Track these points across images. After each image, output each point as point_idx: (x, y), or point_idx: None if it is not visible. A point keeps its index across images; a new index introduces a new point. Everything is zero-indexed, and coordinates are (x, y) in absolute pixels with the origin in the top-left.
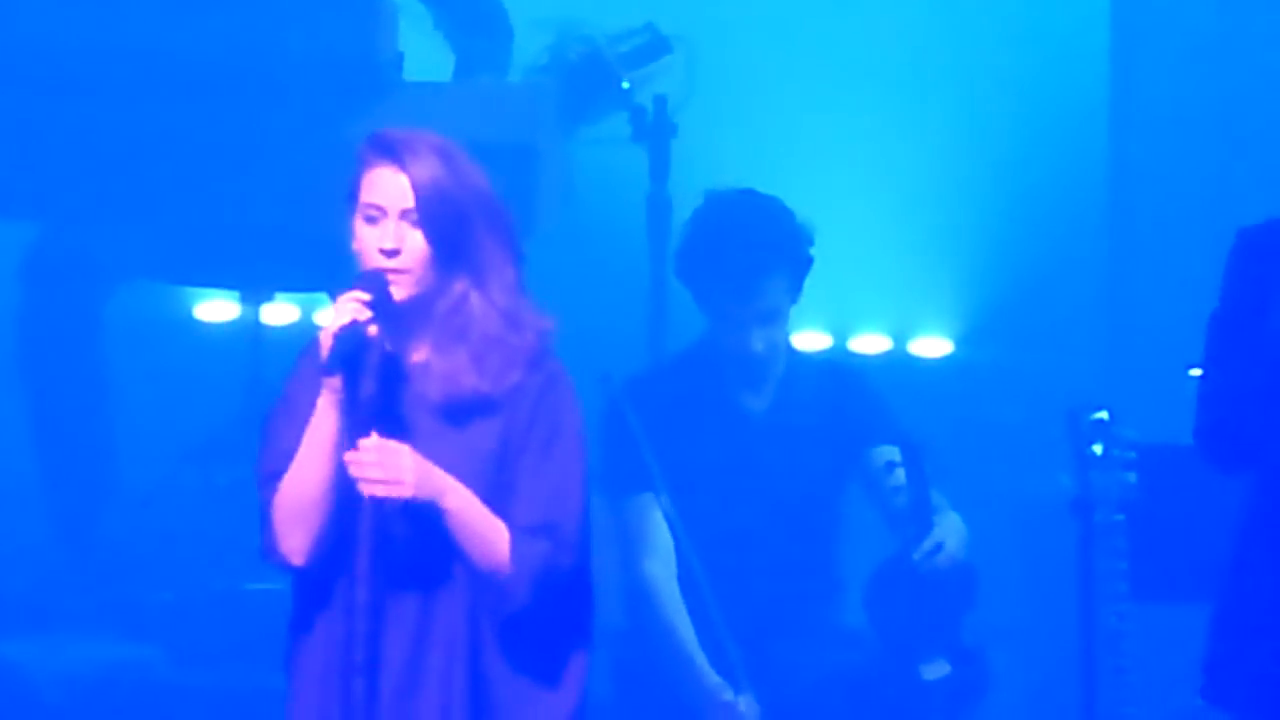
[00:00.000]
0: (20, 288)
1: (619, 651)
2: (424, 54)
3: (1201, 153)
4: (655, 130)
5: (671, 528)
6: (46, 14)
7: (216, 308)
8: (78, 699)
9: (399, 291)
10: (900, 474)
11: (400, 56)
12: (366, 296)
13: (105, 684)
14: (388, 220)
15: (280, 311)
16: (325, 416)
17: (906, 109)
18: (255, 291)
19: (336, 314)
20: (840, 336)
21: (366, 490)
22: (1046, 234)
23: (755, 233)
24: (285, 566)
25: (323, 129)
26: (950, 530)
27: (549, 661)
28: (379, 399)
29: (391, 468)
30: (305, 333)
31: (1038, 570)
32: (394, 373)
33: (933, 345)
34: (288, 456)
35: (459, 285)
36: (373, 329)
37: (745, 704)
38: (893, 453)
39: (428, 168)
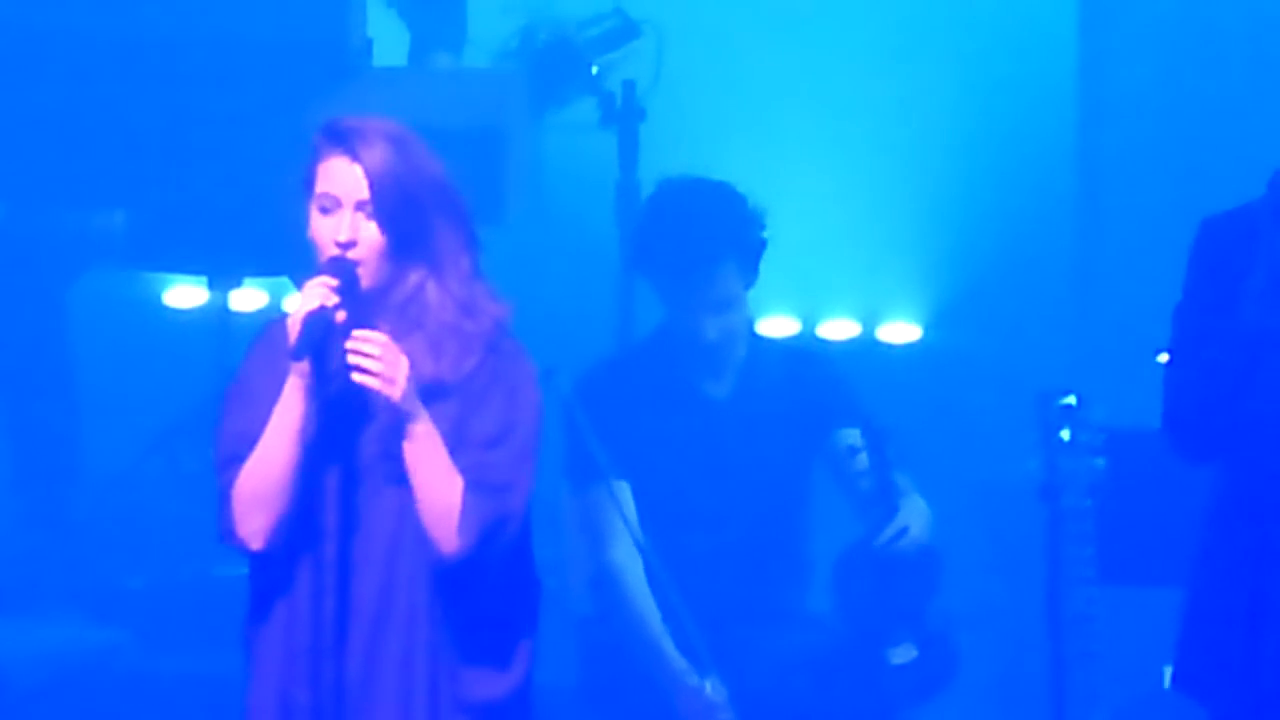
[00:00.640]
0: None
1: (587, 638)
2: (393, 40)
3: (1170, 138)
4: (624, 115)
5: (625, 517)
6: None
7: (185, 293)
8: (47, 684)
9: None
10: (864, 458)
11: (369, 42)
12: (334, 282)
13: (74, 669)
14: (343, 211)
15: (248, 297)
16: (292, 401)
17: (875, 95)
18: (223, 277)
19: (304, 299)
20: (808, 322)
21: (360, 379)
22: (1015, 219)
23: (703, 221)
24: (245, 550)
25: (291, 114)
26: (915, 514)
27: (497, 639)
28: (344, 384)
29: (391, 365)
30: (277, 325)
31: (1005, 555)
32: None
33: (901, 331)
34: (247, 440)
35: (415, 275)
36: (340, 314)
37: (712, 687)
38: (856, 436)
39: (382, 158)
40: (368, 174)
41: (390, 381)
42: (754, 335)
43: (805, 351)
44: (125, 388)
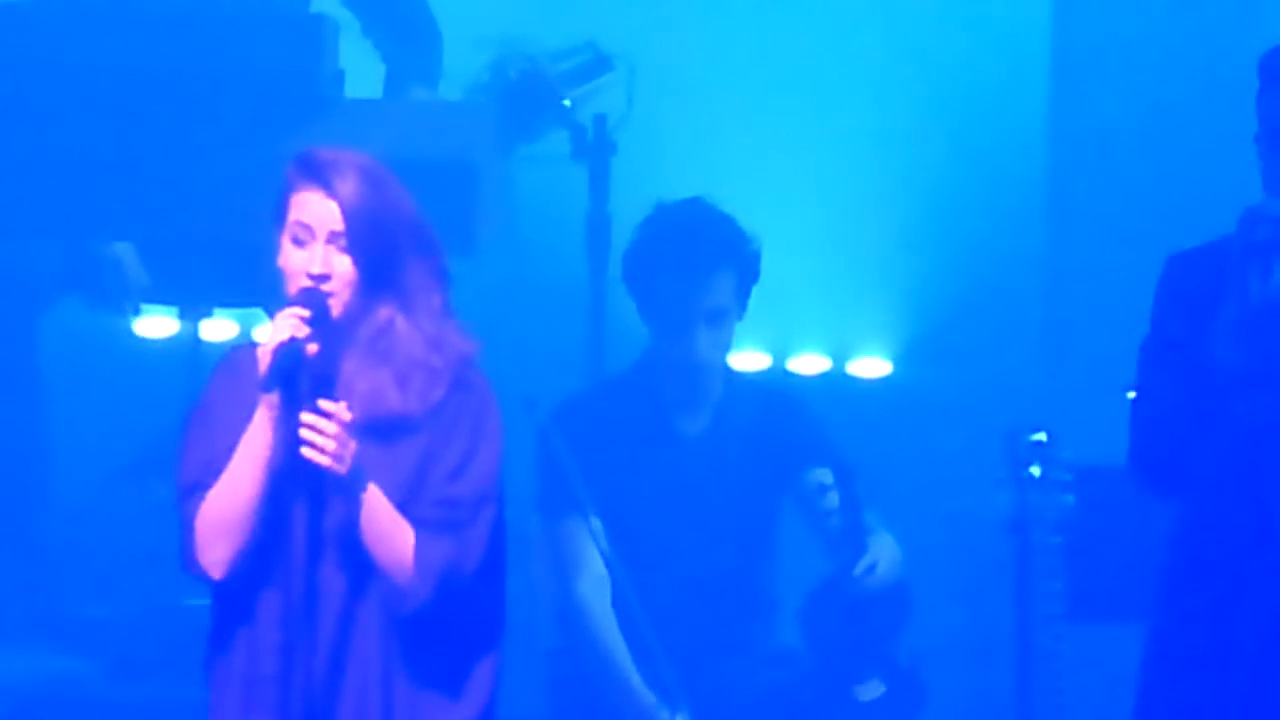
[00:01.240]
0: None
1: (555, 671)
2: (364, 72)
3: (1139, 176)
4: (595, 148)
5: (601, 550)
6: None
7: (155, 323)
8: (13, 711)
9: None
10: (834, 496)
11: (341, 74)
12: (306, 313)
13: (41, 697)
14: (315, 244)
15: (218, 327)
16: (260, 430)
17: (845, 131)
18: (194, 307)
19: (276, 330)
20: (779, 357)
21: (310, 455)
22: (985, 255)
23: (704, 231)
24: (206, 579)
25: (263, 145)
26: (883, 551)
27: (455, 670)
28: (307, 413)
29: (342, 445)
30: (245, 351)
31: (974, 591)
32: (321, 387)
33: (871, 366)
34: (210, 468)
35: (385, 309)
36: (311, 346)
37: None
38: (826, 475)
39: (356, 191)
40: (341, 207)
41: (339, 460)
42: (729, 372)
43: (777, 389)
44: (95, 416)
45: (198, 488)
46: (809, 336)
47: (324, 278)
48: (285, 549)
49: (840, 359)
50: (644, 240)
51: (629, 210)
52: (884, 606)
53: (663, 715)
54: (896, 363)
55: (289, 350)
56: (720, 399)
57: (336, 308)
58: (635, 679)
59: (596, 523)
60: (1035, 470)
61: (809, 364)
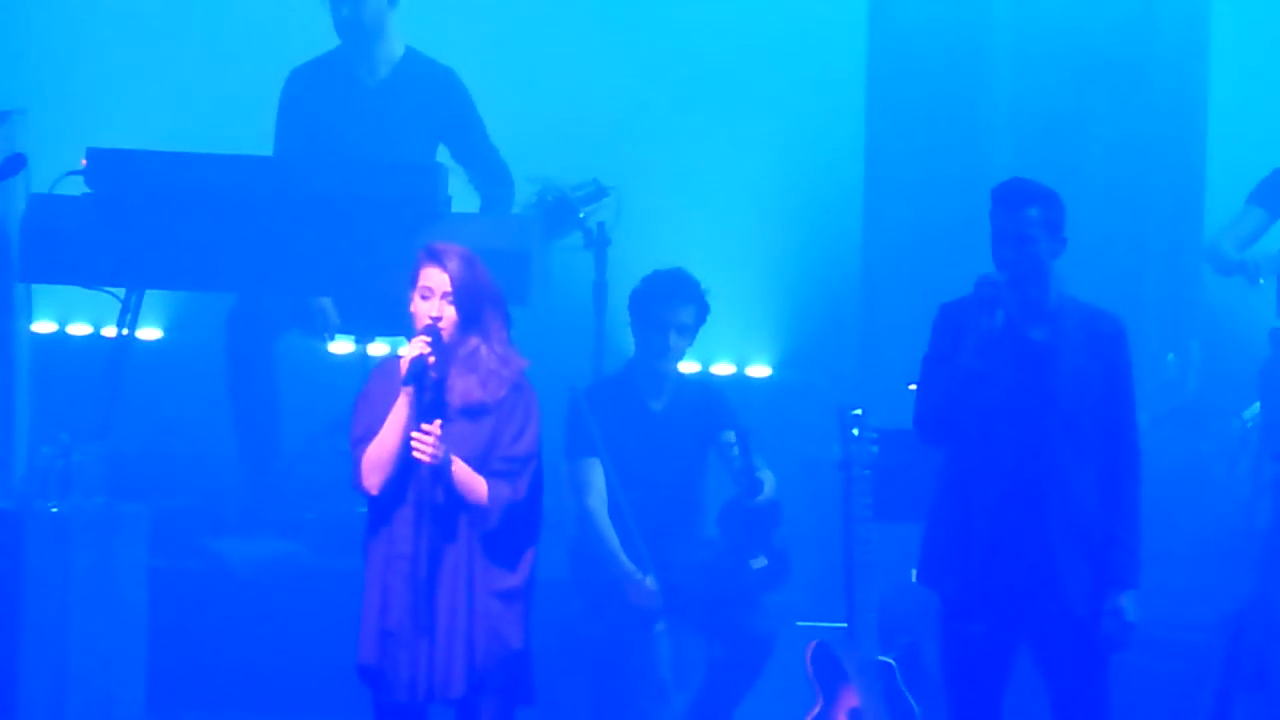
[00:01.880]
0: (226, 332)
1: (574, 549)
2: (466, 198)
3: (943, 233)
4: (598, 243)
5: (607, 478)
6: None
7: (341, 345)
8: (257, 574)
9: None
10: (736, 448)
11: (449, 199)
12: (429, 339)
13: (273, 568)
14: (434, 299)
15: (377, 347)
16: (400, 410)
17: (751, 228)
18: (364, 335)
19: (412, 348)
20: (705, 363)
21: (417, 456)
22: (821, 297)
23: (681, 281)
24: (367, 495)
25: (406, 240)
26: (767, 481)
27: (511, 555)
28: (430, 401)
29: (438, 447)
30: (392, 359)
31: (819, 503)
32: (437, 386)
33: (759, 369)
34: (370, 429)
35: (473, 340)
36: (432, 359)
37: (649, 581)
38: (732, 435)
39: (458, 269)
40: (451, 278)
41: (436, 456)
42: (679, 374)
43: (705, 382)
44: (306, 401)
45: (363, 440)
46: (723, 351)
47: (439, 319)
48: (412, 481)
49: (742, 364)
50: (647, 291)
51: (619, 280)
52: (766, 513)
53: (638, 576)
54: (775, 367)
55: (419, 361)
56: (673, 389)
57: (445, 336)
58: (622, 554)
59: (600, 462)
60: (855, 431)
61: (723, 368)
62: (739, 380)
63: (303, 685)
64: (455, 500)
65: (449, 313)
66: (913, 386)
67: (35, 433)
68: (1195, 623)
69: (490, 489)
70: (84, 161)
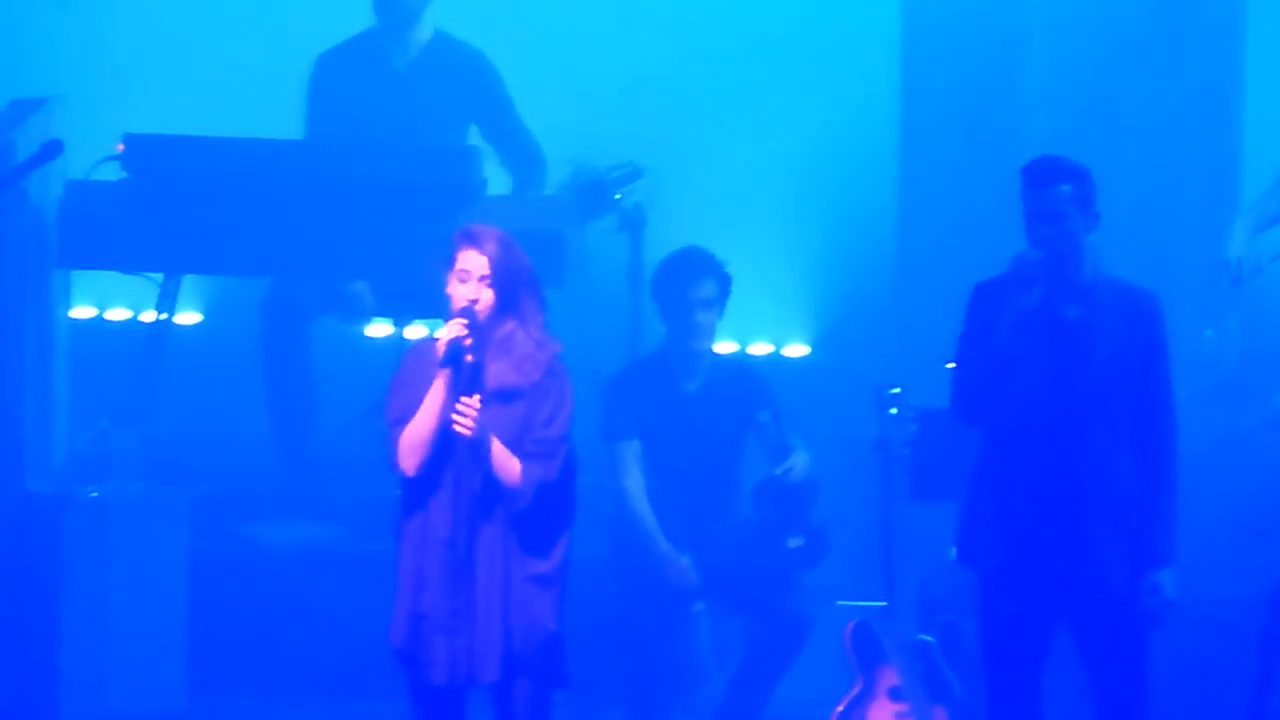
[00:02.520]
0: (261, 317)
1: (612, 529)
2: (500, 180)
3: (978, 213)
4: (633, 224)
5: (644, 459)
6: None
7: (378, 328)
8: (294, 559)
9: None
10: (772, 427)
11: (484, 181)
12: (465, 322)
13: (308, 552)
14: (471, 282)
15: (414, 330)
16: (438, 392)
17: (788, 208)
18: (400, 318)
19: (449, 331)
20: (742, 343)
21: (458, 429)
22: (858, 277)
23: (696, 256)
24: (403, 475)
25: (443, 223)
26: (801, 460)
27: (545, 537)
28: (467, 383)
29: (478, 422)
30: (427, 341)
31: (857, 482)
32: (474, 369)
33: (797, 349)
34: (407, 411)
35: (509, 323)
36: (468, 341)
37: (685, 561)
38: (768, 415)
39: (495, 252)
40: (489, 260)
41: (473, 430)
42: (714, 354)
43: (740, 362)
44: (343, 383)
45: (400, 422)
46: (760, 330)
47: (475, 302)
48: (450, 464)
49: (779, 345)
50: (668, 270)
51: (653, 259)
52: (802, 492)
53: (674, 556)
54: (814, 347)
55: (455, 343)
56: (708, 370)
57: (481, 319)
58: (659, 535)
59: (637, 444)
60: (894, 410)
61: (760, 348)
62: (776, 360)
63: (341, 668)
64: (492, 484)
65: (486, 295)
66: (951, 365)
67: (74, 418)
68: (1234, 598)
69: (524, 470)
70: (120, 147)
